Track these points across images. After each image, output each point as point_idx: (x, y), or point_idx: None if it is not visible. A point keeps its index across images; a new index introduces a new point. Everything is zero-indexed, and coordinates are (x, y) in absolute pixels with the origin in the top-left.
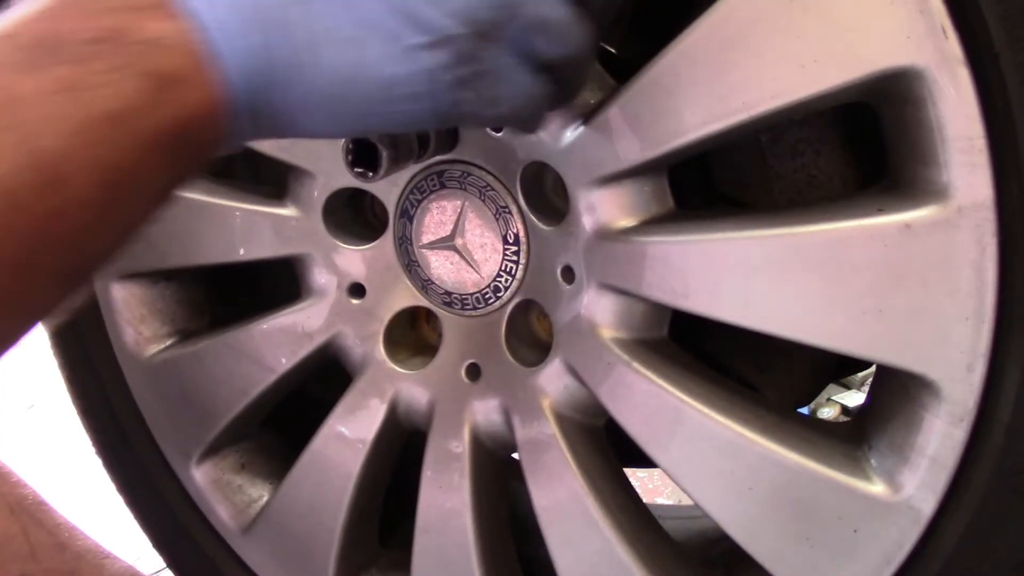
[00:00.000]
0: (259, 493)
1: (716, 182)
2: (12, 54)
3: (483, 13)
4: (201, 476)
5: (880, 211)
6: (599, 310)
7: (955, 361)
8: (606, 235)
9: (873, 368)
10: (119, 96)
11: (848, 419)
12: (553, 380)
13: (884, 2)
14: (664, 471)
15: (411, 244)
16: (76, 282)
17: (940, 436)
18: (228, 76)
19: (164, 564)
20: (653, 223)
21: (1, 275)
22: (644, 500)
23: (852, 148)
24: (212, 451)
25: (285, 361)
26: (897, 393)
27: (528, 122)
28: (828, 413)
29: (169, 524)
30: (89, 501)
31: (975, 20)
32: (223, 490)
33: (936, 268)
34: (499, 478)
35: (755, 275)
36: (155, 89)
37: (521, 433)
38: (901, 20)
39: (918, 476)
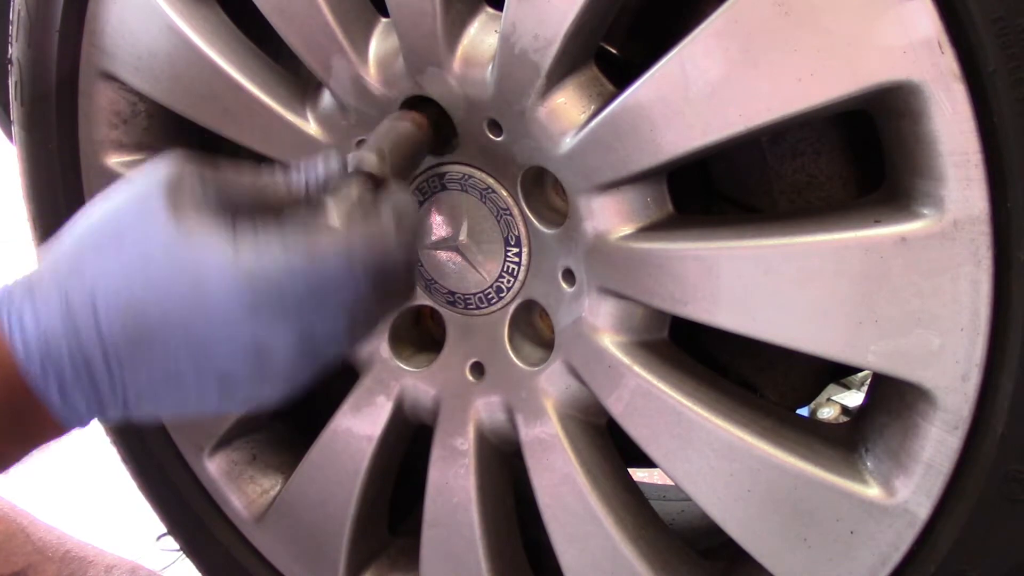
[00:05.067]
0: (271, 483)
1: (716, 183)
2: None
3: None
4: (214, 467)
5: (877, 223)
6: (600, 313)
7: (950, 371)
8: (606, 240)
9: None
10: None
11: (847, 420)
12: (555, 380)
13: (880, 17)
14: (664, 472)
15: None
16: None
17: (935, 443)
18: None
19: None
20: (652, 229)
21: None
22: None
23: (852, 150)
24: (224, 443)
25: None
26: (894, 399)
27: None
28: (828, 413)
29: (184, 513)
30: (96, 502)
31: (971, 37)
32: (235, 480)
33: (932, 280)
34: (504, 473)
35: (753, 284)
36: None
37: (524, 431)
38: (897, 35)
39: (914, 481)
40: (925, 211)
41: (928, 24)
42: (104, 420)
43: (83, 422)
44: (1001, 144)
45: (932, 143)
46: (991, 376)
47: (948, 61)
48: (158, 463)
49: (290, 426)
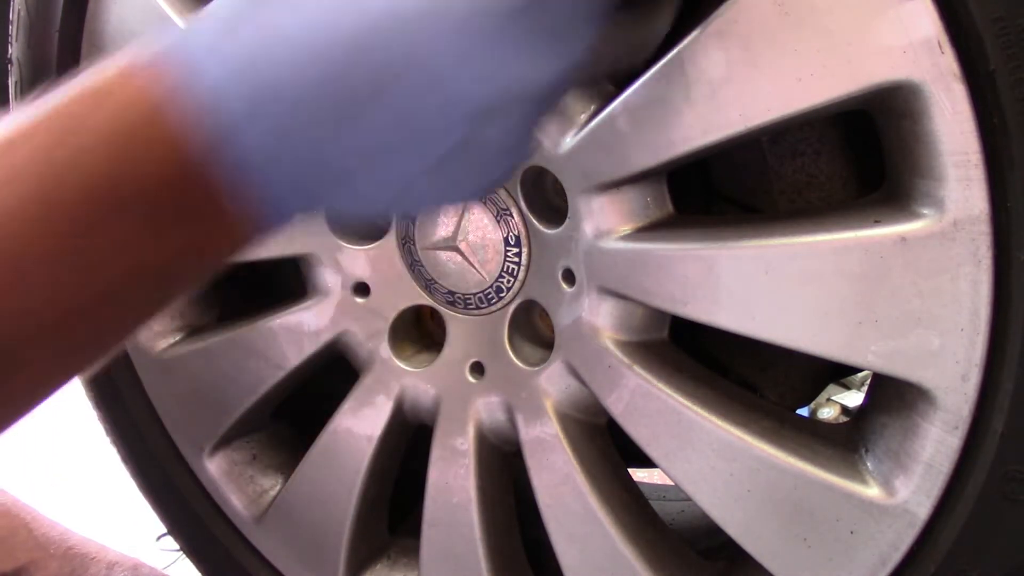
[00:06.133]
0: (271, 483)
1: (716, 183)
2: (76, 197)
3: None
4: (213, 467)
5: (877, 223)
6: (599, 313)
7: (950, 371)
8: (605, 240)
9: None
10: (170, 250)
11: (847, 420)
12: (555, 380)
13: (880, 16)
14: (664, 472)
15: (414, 244)
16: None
17: (935, 443)
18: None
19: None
20: (652, 229)
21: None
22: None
23: (852, 150)
24: (224, 443)
25: (293, 358)
26: (894, 399)
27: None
28: (828, 413)
29: (184, 513)
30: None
31: (972, 37)
32: (235, 480)
33: (932, 280)
34: (504, 473)
35: (753, 284)
36: (203, 239)
37: (524, 431)
38: (897, 35)
39: (913, 481)
40: (925, 211)
41: (928, 24)
42: (289, 210)
43: (263, 210)
44: (1001, 144)
45: (932, 143)
46: (991, 376)
47: (948, 61)
48: (158, 463)
49: (290, 426)
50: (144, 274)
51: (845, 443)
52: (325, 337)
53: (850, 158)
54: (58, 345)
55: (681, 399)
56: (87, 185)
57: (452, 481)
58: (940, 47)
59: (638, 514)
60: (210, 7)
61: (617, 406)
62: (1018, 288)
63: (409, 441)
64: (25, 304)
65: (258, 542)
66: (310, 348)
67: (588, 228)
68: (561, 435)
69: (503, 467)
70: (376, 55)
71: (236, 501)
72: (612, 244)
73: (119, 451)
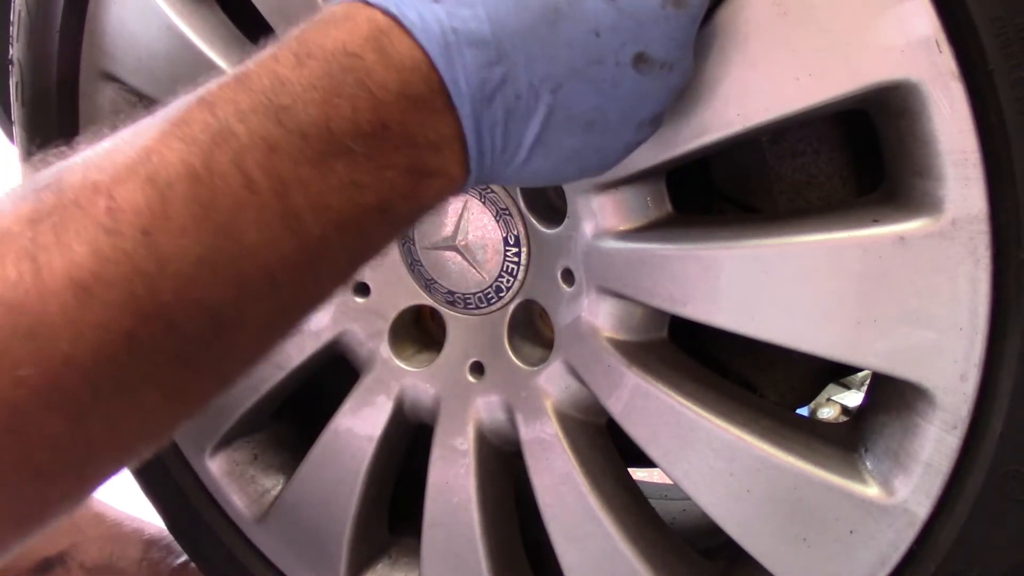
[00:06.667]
0: (272, 483)
1: (716, 182)
2: (296, 143)
3: None
4: (215, 467)
5: (875, 222)
6: (599, 313)
7: (949, 370)
8: (604, 240)
9: None
10: (385, 192)
11: (847, 419)
12: (555, 380)
13: (878, 16)
14: (664, 471)
15: (414, 244)
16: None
17: (934, 442)
18: (473, 166)
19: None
20: (650, 229)
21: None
22: None
23: (852, 149)
24: (225, 443)
25: (294, 358)
26: (893, 399)
27: None
28: (828, 413)
29: (186, 513)
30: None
31: (969, 35)
32: (237, 481)
33: (930, 279)
34: (504, 473)
35: (752, 284)
36: (415, 183)
37: (524, 431)
38: (896, 34)
39: (913, 480)
40: (924, 210)
41: (926, 23)
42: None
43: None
44: (1000, 143)
45: (931, 142)
46: (990, 375)
47: (946, 60)
48: (161, 463)
49: (291, 426)
50: (360, 217)
51: (844, 443)
52: (326, 337)
53: (849, 158)
54: (272, 303)
55: (680, 399)
56: (316, 120)
57: (452, 481)
58: (938, 46)
59: (638, 514)
60: None
61: (616, 405)
62: (1017, 288)
63: (410, 441)
64: (240, 269)
65: (260, 542)
66: (311, 348)
67: (587, 228)
68: (561, 435)
69: (503, 467)
70: None
71: (238, 501)
72: (611, 244)
73: None
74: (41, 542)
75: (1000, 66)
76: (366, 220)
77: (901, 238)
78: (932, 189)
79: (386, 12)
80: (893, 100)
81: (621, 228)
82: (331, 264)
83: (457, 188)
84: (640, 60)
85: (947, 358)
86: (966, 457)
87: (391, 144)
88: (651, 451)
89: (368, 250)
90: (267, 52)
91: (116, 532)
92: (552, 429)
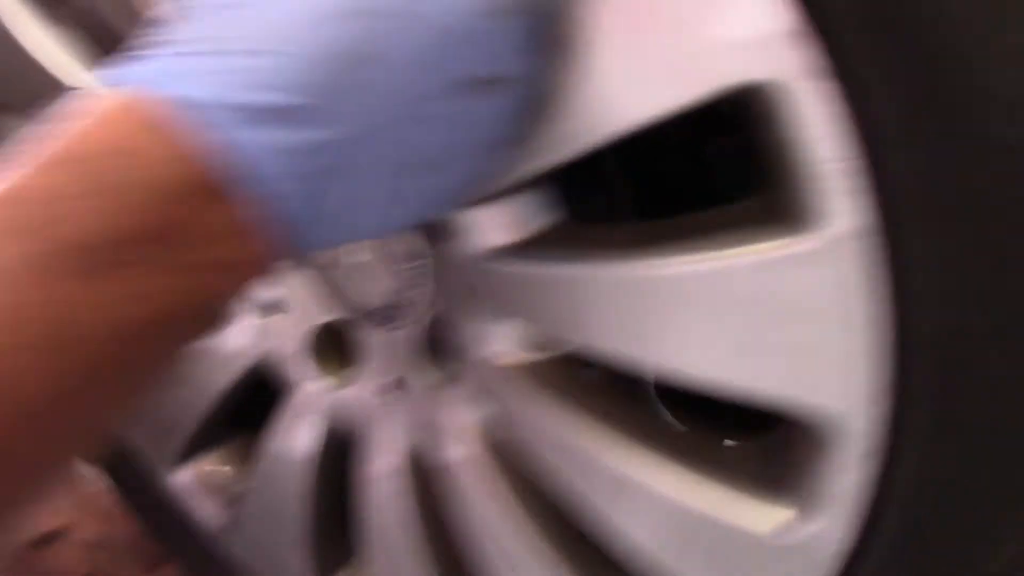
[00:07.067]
0: (233, 496)
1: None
2: (63, 258)
3: None
4: (180, 480)
5: (760, 240)
6: (498, 331)
7: (852, 396)
8: (489, 256)
9: None
10: (178, 295)
11: (756, 447)
12: (473, 399)
13: (731, 11)
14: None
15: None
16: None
17: (845, 473)
18: (295, 242)
19: None
20: (530, 246)
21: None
22: None
23: (729, 160)
24: (184, 459)
25: (221, 382)
26: (801, 427)
27: None
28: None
29: (163, 522)
30: None
31: (835, 31)
32: (201, 494)
33: (823, 299)
34: (431, 493)
35: (629, 308)
36: (215, 276)
37: (447, 451)
38: (751, 31)
39: (826, 515)
40: (806, 225)
41: (785, 17)
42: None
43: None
44: (881, 149)
45: (805, 151)
46: (897, 399)
47: (812, 57)
48: (135, 475)
49: (254, 435)
50: (151, 327)
51: (752, 474)
52: (247, 359)
53: (726, 170)
54: (48, 430)
55: (572, 424)
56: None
57: (383, 501)
58: (802, 42)
59: (570, 532)
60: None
61: (518, 428)
62: (913, 303)
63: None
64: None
65: (229, 552)
66: (235, 370)
67: (475, 243)
68: (484, 455)
69: (431, 486)
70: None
71: (203, 514)
72: (495, 261)
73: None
74: (41, 518)
75: (868, 64)
76: (157, 329)
77: (788, 256)
78: (813, 203)
79: (164, 97)
80: (757, 104)
81: (502, 244)
82: (117, 379)
83: (276, 268)
84: (473, 84)
85: (850, 383)
86: (880, 490)
87: (184, 244)
88: (554, 480)
89: (166, 356)
90: (33, 156)
91: (114, 511)
92: (475, 449)
